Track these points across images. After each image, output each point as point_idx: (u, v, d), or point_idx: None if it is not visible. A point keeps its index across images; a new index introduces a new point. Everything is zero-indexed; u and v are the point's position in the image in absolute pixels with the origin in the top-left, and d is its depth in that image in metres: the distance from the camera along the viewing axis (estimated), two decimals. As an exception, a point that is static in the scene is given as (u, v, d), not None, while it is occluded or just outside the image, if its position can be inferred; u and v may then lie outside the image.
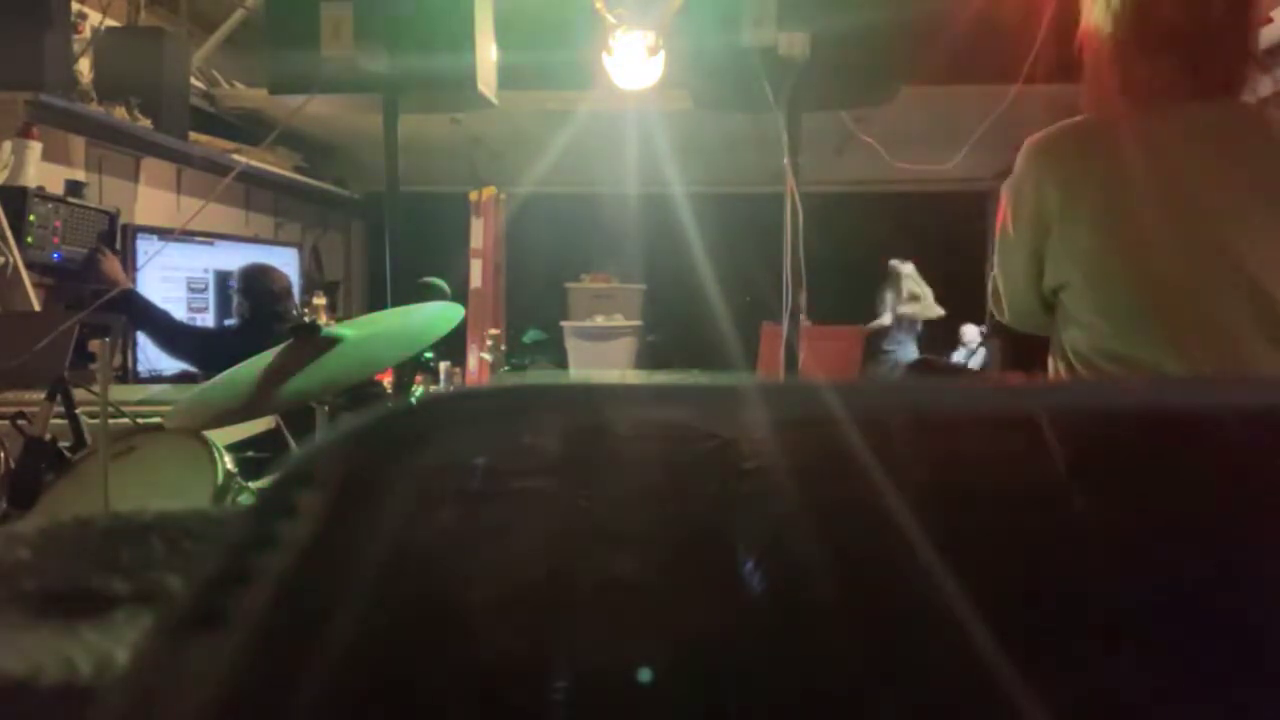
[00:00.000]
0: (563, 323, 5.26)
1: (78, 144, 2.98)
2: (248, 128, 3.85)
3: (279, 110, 3.31)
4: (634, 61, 2.80)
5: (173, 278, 3.33)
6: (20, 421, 1.39)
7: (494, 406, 0.30)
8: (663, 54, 2.78)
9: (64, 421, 1.44)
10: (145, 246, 3.07)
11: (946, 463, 0.31)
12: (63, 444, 1.42)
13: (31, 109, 2.54)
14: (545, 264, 5.27)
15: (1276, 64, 2.31)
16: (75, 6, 2.82)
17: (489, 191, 4.52)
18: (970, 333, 4.96)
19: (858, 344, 4.44)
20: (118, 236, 2.98)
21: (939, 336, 5.24)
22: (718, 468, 0.29)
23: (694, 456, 0.30)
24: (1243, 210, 1.16)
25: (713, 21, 1.74)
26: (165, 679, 0.21)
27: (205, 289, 3.50)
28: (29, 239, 2.55)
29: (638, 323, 5.26)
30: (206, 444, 1.35)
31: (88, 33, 2.95)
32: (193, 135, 3.30)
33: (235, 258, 3.41)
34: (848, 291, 4.71)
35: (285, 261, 3.69)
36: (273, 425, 1.86)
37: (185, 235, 3.23)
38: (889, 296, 5.26)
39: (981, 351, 4.64)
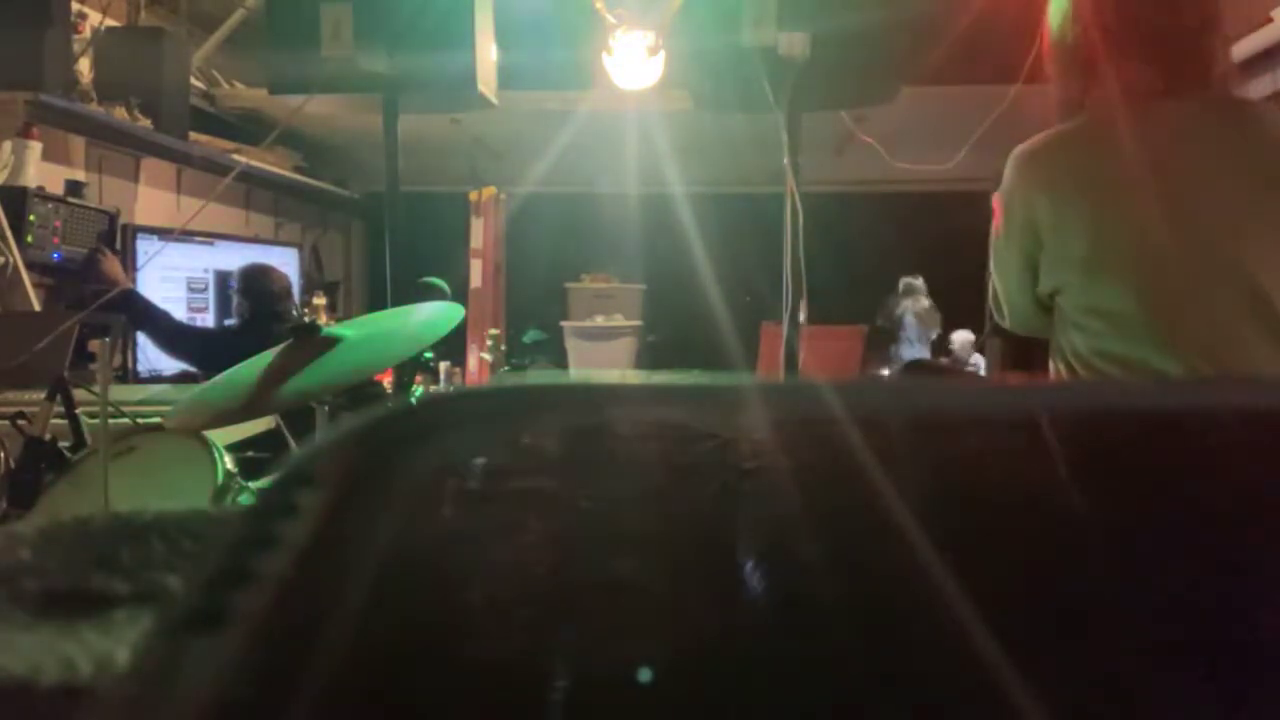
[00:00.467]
0: (563, 323, 5.25)
1: (78, 144, 2.98)
2: (248, 128, 3.85)
3: (279, 110, 3.32)
4: (634, 61, 2.80)
5: (173, 278, 3.33)
6: (20, 421, 1.39)
7: (494, 406, 0.30)
8: (663, 54, 2.78)
9: (64, 421, 1.44)
10: (145, 246, 3.07)
11: (946, 463, 0.31)
12: (63, 444, 1.41)
13: (31, 109, 2.54)
14: (545, 264, 5.26)
15: (1277, 64, 2.31)
16: (75, 6, 2.82)
17: (489, 191, 4.51)
18: (960, 338, 4.88)
19: (858, 344, 4.44)
20: (118, 236, 2.98)
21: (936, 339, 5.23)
22: (718, 468, 0.29)
23: (694, 457, 0.30)
24: (1235, 203, 1.16)
25: (713, 21, 1.74)
26: (165, 679, 0.21)
27: (205, 289, 3.50)
28: (29, 239, 2.55)
29: (638, 323, 5.26)
30: (206, 444, 1.36)
31: (88, 33, 2.95)
32: (193, 135, 3.30)
33: (235, 258, 3.41)
34: (848, 292, 4.70)
35: (285, 261, 3.69)
36: (273, 425, 1.86)
37: (185, 235, 3.23)
38: (906, 303, 5.20)
39: (974, 359, 4.60)
